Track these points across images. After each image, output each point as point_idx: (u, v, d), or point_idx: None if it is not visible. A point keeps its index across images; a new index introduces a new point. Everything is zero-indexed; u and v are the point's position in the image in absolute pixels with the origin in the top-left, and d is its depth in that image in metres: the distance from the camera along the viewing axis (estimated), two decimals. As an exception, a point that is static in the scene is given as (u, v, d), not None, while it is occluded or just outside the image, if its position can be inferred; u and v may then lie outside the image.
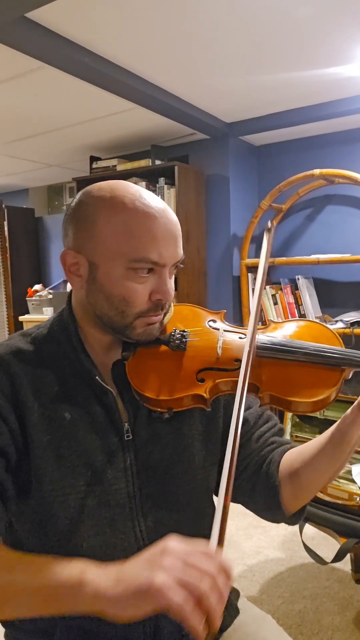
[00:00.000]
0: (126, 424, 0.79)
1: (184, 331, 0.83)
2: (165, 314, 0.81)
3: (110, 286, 0.75)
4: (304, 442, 0.83)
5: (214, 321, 0.87)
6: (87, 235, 0.76)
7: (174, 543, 0.57)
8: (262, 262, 0.84)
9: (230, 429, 0.65)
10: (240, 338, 0.83)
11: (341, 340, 0.82)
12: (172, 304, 0.86)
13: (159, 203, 0.76)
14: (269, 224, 0.89)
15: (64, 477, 0.73)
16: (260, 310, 2.89)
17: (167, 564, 0.54)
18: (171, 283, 0.79)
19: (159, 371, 0.79)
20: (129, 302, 0.75)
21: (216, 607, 0.52)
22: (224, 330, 0.85)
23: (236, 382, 0.71)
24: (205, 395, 0.76)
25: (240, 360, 0.77)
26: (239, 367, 0.74)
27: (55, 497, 0.73)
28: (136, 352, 0.81)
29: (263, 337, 0.82)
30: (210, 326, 0.86)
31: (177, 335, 0.81)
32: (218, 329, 0.85)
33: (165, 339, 0.81)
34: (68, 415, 0.76)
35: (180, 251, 0.79)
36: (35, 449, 0.73)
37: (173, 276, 0.81)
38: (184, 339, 0.81)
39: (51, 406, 0.75)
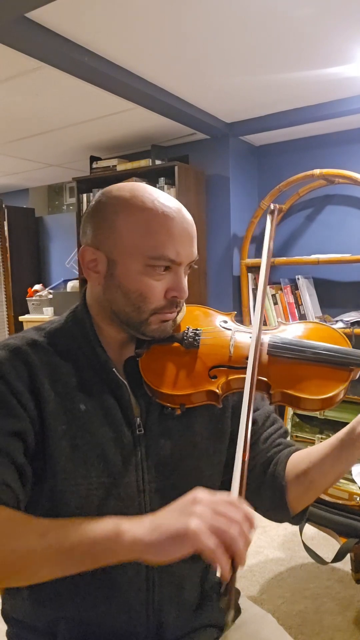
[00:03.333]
0: (138, 418, 0.80)
1: (196, 329, 0.85)
2: (178, 312, 0.83)
3: (127, 282, 0.78)
4: (304, 442, 0.85)
5: (225, 322, 0.90)
6: (107, 233, 0.78)
7: (202, 494, 0.62)
8: (265, 243, 0.87)
9: (242, 408, 0.69)
10: (251, 338, 0.85)
11: (349, 342, 0.84)
12: (184, 304, 0.87)
13: (176, 203, 0.80)
14: (272, 206, 0.91)
15: (77, 467, 0.75)
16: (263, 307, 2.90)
17: (199, 512, 0.59)
18: (186, 282, 0.81)
19: (172, 368, 0.81)
20: (146, 297, 0.78)
21: (243, 550, 0.58)
22: (236, 330, 0.87)
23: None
24: (217, 391, 0.78)
25: None
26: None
27: (67, 486, 0.74)
28: (149, 349, 0.83)
29: (274, 337, 0.84)
30: (222, 326, 0.88)
31: (190, 334, 0.84)
32: (230, 329, 0.87)
33: (178, 336, 0.84)
34: (83, 407, 0.78)
35: (195, 251, 0.82)
36: (52, 437, 0.75)
37: (187, 276, 0.83)
38: (197, 337, 0.84)
39: (67, 396, 0.77)
